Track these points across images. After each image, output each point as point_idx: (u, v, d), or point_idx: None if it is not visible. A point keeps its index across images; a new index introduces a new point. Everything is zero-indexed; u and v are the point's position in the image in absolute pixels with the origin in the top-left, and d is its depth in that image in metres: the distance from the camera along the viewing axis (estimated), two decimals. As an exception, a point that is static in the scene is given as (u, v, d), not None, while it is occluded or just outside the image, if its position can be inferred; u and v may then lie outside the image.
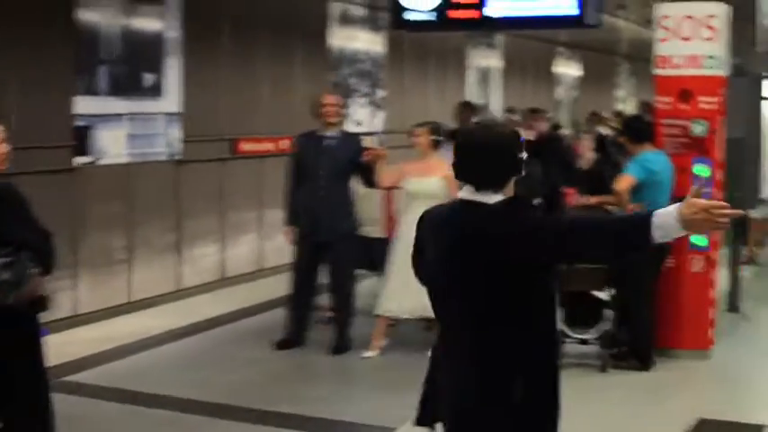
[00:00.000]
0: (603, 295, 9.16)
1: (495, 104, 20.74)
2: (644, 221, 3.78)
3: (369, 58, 16.21)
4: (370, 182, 9.87)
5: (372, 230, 10.45)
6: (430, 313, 8.04)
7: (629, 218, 4.30)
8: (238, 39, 12.95)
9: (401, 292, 9.22)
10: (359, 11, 15.79)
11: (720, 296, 10.29)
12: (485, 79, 20.55)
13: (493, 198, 4.06)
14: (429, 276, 4.34)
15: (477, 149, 4.13)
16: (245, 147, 13.03)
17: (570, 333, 9.13)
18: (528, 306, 4.05)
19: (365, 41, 16.08)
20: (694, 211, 3.67)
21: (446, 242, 4.15)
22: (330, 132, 9.86)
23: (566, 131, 16.47)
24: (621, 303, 9.11)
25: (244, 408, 8.21)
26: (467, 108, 13.84)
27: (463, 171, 4.14)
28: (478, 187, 4.09)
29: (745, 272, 11.97)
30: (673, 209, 3.72)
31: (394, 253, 9.44)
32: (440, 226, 4.24)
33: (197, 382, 8.71)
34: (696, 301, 9.41)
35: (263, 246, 13.40)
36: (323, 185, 9.73)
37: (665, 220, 3.73)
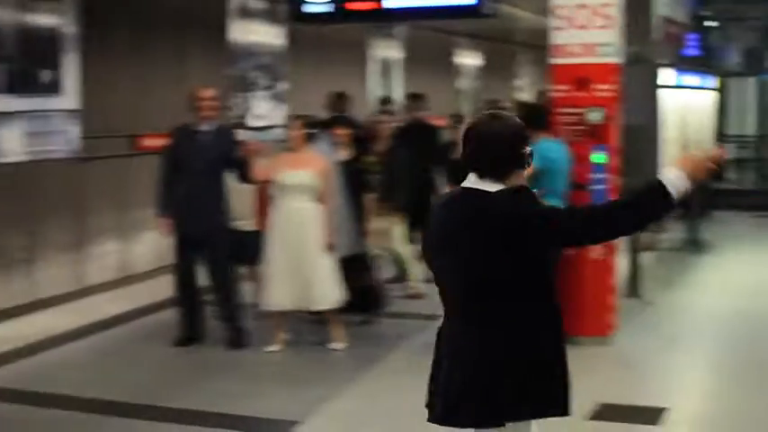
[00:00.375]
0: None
1: (398, 96, 20.75)
2: (660, 187, 4.21)
3: (269, 52, 16.12)
4: (245, 176, 9.88)
5: (245, 224, 10.44)
6: (315, 305, 8.15)
7: (643, 190, 4.36)
8: (136, 33, 12.82)
9: (282, 285, 9.42)
10: (258, 4, 15.69)
11: (621, 282, 10.38)
12: (386, 71, 20.55)
13: (495, 187, 4.27)
14: (433, 258, 4.51)
15: (482, 139, 4.35)
16: (146, 143, 12.90)
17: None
18: (527, 281, 4.28)
19: (265, 34, 15.98)
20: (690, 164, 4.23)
21: (450, 224, 4.35)
22: (205, 126, 9.86)
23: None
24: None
25: (146, 405, 8.18)
26: (340, 98, 13.80)
27: (469, 159, 4.36)
28: (481, 176, 4.31)
29: (645, 258, 12.10)
30: (670, 170, 4.23)
31: (269, 246, 9.58)
32: (443, 210, 4.45)
33: (99, 381, 8.66)
34: (596, 287, 9.49)
35: (166, 242, 13.28)
36: (196, 179, 9.71)
37: (672, 178, 4.21)
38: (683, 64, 14.87)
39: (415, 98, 14.22)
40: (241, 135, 10.32)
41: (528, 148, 4.37)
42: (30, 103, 11.17)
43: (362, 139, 11.66)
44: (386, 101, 14.41)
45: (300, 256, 9.47)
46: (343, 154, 10.80)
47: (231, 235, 10.12)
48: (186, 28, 13.84)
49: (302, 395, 8.31)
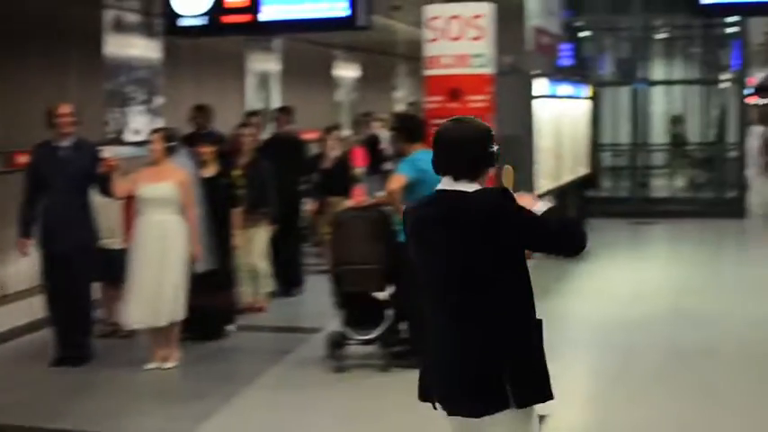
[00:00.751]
0: (382, 295, 9.22)
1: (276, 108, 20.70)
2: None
3: (145, 66, 15.96)
4: (106, 192, 9.78)
5: (113, 242, 10.35)
6: (160, 320, 9.01)
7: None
8: (8, 47, 12.58)
9: (142, 301, 9.35)
10: (133, 17, 15.53)
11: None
12: (264, 84, 20.48)
13: (471, 187, 4.49)
14: (417, 258, 4.71)
15: (456, 143, 4.56)
16: (21, 159, 12.66)
17: (351, 334, 9.17)
18: (503, 273, 4.50)
19: (141, 48, 15.82)
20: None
21: (437, 225, 4.56)
22: (64, 142, 9.75)
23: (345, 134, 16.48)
24: (400, 302, 9.17)
25: (22, 426, 8.00)
26: (201, 111, 13.66)
27: (441, 164, 4.59)
28: (456, 178, 4.53)
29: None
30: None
31: (133, 261, 9.46)
32: (426, 213, 4.65)
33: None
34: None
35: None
36: (59, 197, 9.61)
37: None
38: (558, 74, 15.04)
39: (282, 111, 14.15)
40: (103, 150, 9.99)
41: (495, 147, 4.57)
42: None
43: (226, 153, 11.56)
44: (250, 114, 14.11)
45: (162, 271, 9.36)
46: (208, 170, 10.66)
47: (98, 254, 9.99)
48: (61, 41, 13.63)
49: (181, 412, 8.22)
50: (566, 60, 20.85)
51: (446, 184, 4.56)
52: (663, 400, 8.28)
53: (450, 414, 4.70)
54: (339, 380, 8.96)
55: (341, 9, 10.83)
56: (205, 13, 10.87)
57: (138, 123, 15.56)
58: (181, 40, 15.33)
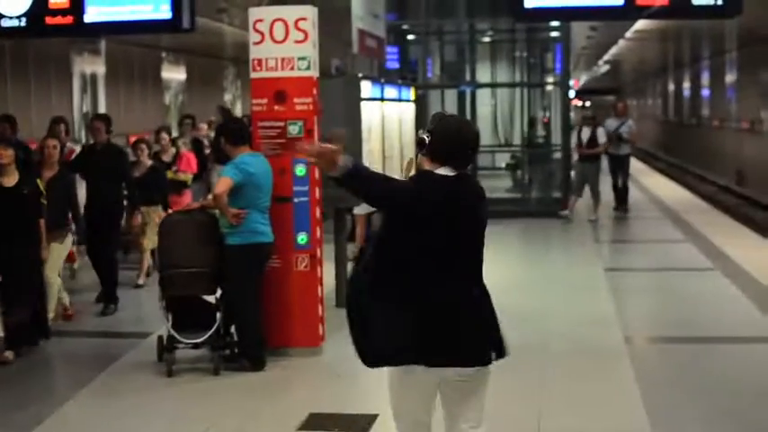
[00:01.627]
0: (211, 298, 9.20)
1: (102, 111, 20.43)
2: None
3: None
4: None
5: None
6: None
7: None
8: None
9: None
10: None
11: (329, 293, 10.49)
12: (90, 87, 20.20)
13: (454, 173, 5.31)
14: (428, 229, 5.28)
15: (463, 135, 5.41)
16: None
17: (180, 338, 9.12)
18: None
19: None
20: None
21: (457, 201, 5.32)
22: None
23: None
24: (228, 305, 9.16)
25: None
26: (6, 121, 13.01)
27: (445, 152, 5.31)
28: (459, 167, 5.34)
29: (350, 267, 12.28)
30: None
31: None
32: (441, 191, 5.29)
33: None
34: (304, 298, 9.57)
35: None
36: None
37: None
38: (384, 77, 15.18)
39: (100, 119, 12.56)
40: None
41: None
42: None
43: (33, 163, 11.15)
44: (56, 121, 13.14)
45: None
46: (8, 178, 9.88)
47: None
48: None
49: (9, 421, 8.05)
50: (392, 63, 21.08)
51: (444, 169, 5.30)
52: (490, 395, 8.40)
53: (436, 365, 5.28)
54: (169, 384, 8.88)
55: (165, 11, 10.77)
56: (27, 14, 10.67)
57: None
58: (2, 41, 15.07)
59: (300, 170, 9.47)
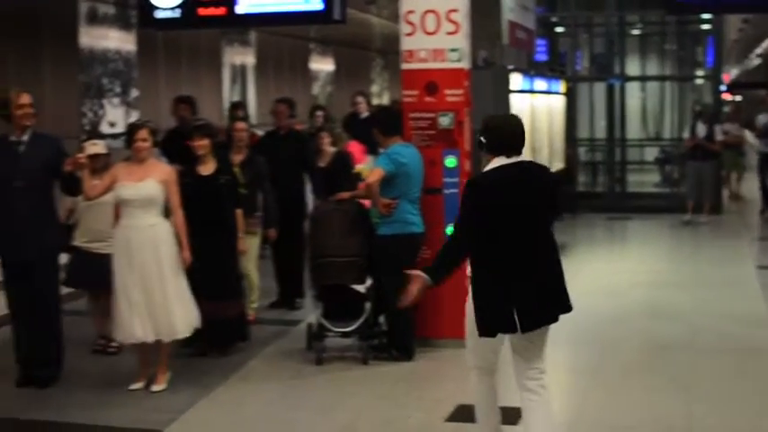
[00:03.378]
0: (361, 288, 9.24)
1: (251, 102, 20.70)
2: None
3: (120, 58, 15.94)
4: (72, 190, 8.83)
5: (100, 246, 9.32)
6: (171, 335, 8.43)
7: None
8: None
9: (133, 314, 8.42)
10: (108, 9, 15.51)
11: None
12: (240, 77, 20.47)
13: (519, 158, 6.26)
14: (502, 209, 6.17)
15: (521, 129, 6.38)
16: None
17: (330, 327, 9.19)
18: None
19: (116, 40, 15.81)
20: None
21: (525, 185, 6.24)
22: (22, 136, 8.56)
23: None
24: (379, 295, 9.20)
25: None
26: (185, 103, 12.33)
27: (507, 146, 6.23)
28: (509, 156, 6.22)
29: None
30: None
31: (116, 270, 8.52)
32: (504, 182, 6.18)
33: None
34: (453, 290, 9.53)
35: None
36: (19, 197, 8.45)
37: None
38: (533, 69, 15.09)
39: (283, 102, 12.16)
40: (65, 144, 8.91)
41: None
42: None
43: (222, 147, 10.45)
44: (236, 105, 13.05)
45: (150, 279, 8.42)
46: (205, 167, 9.51)
47: (84, 259, 9.45)
48: (35, 32, 13.59)
49: (158, 404, 8.21)
50: (540, 56, 20.93)
51: (503, 160, 6.20)
52: (640, 393, 8.33)
53: (529, 330, 6.25)
54: (318, 372, 8.97)
55: (316, 3, 10.84)
56: (181, 5, 10.82)
57: (114, 115, 15.54)
58: (156, 32, 15.35)
59: (451, 161, 9.47)
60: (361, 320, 9.18)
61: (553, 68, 17.63)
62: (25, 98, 8.64)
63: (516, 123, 6.40)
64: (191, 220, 8.80)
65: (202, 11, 10.91)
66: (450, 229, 9.40)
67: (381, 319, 9.43)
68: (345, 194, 9.75)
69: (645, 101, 24.58)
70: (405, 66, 9.55)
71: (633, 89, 23.64)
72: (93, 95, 15.14)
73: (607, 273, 13.87)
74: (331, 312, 9.29)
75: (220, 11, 10.88)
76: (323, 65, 24.63)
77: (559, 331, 10.47)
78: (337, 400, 8.23)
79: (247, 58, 20.68)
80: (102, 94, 15.28)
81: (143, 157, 8.59)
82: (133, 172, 8.56)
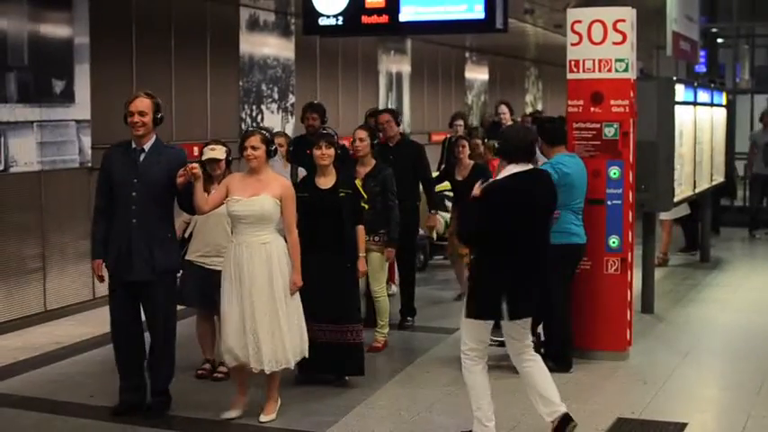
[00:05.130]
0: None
1: (405, 109, 20.80)
2: None
3: (279, 64, 16.16)
4: (188, 206, 8.15)
5: (217, 261, 8.64)
6: (267, 364, 7.99)
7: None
8: (146, 44, 12.84)
9: (235, 336, 7.89)
10: (269, 16, 15.74)
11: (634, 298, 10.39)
12: (396, 84, 20.59)
13: (530, 166, 7.24)
14: (503, 223, 7.05)
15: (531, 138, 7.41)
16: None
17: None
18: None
19: (275, 47, 16.03)
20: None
21: (534, 192, 7.19)
22: (145, 145, 7.99)
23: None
24: (542, 306, 9.14)
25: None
26: (313, 110, 11.85)
27: (518, 155, 7.15)
28: (521, 163, 7.13)
29: (657, 273, 12.12)
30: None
31: (224, 289, 8.02)
32: (516, 189, 7.10)
33: (116, 390, 8.53)
34: (613, 302, 9.51)
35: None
36: (136, 210, 7.91)
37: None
38: (694, 80, 14.90)
39: (388, 112, 11.83)
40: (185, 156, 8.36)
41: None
42: (42, 113, 11.26)
43: (345, 159, 10.08)
44: (372, 114, 12.45)
45: (260, 302, 7.85)
46: (326, 179, 9.06)
47: (196, 274, 8.93)
48: (197, 39, 13.87)
49: (319, 407, 8.30)
50: (699, 67, 20.64)
51: (521, 167, 7.13)
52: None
53: (515, 319, 7.18)
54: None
55: (478, 11, 10.84)
56: (344, 13, 10.93)
57: (272, 122, 15.75)
58: (315, 39, 15.53)
59: (615, 172, 9.41)
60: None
61: (712, 80, 17.36)
62: (136, 104, 7.99)
63: (527, 135, 7.38)
64: (306, 237, 8.39)
65: (366, 18, 10.99)
66: (613, 242, 9.40)
67: (540, 329, 9.39)
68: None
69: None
70: (570, 75, 9.53)
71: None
72: (252, 101, 15.37)
73: (762, 288, 13.63)
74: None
75: (383, 18, 10.94)
76: (477, 74, 24.62)
77: (718, 344, 10.44)
78: (495, 409, 8.21)
79: (403, 66, 20.78)
80: (260, 99, 15.50)
81: (254, 166, 7.99)
82: (247, 185, 7.98)
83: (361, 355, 9.08)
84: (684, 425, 7.65)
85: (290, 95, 16.43)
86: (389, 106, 19.97)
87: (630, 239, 9.53)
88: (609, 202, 9.43)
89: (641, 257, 11.44)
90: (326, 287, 8.76)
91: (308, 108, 11.96)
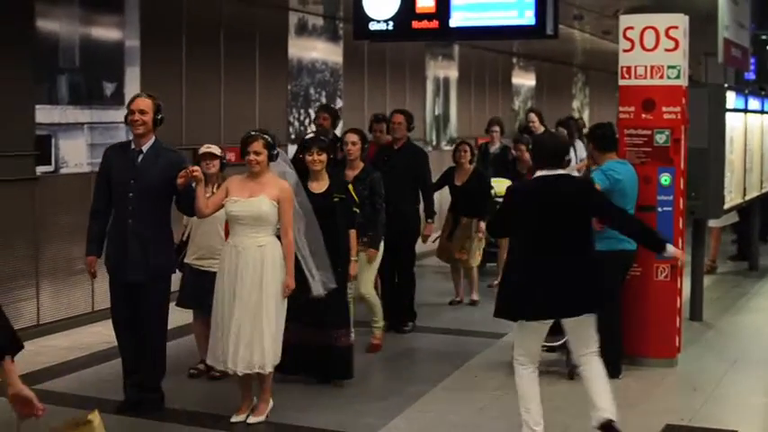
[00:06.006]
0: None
1: (453, 115, 20.81)
2: (658, 240, 7.66)
3: (327, 68, 16.21)
4: (187, 208, 8.22)
5: (213, 263, 8.68)
6: (247, 366, 7.82)
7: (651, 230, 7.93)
8: (197, 48, 12.92)
9: (225, 340, 7.84)
10: (317, 20, 15.80)
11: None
12: (443, 90, 20.59)
13: (558, 171, 7.23)
14: (525, 223, 7.22)
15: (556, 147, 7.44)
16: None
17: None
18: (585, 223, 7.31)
19: (323, 51, 16.08)
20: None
21: (549, 197, 7.16)
22: (143, 146, 8.05)
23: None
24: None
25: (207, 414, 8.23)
26: (326, 112, 12.33)
27: (546, 160, 7.25)
28: (554, 168, 7.21)
29: (705, 281, 12.07)
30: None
31: (217, 291, 8.01)
32: (536, 191, 7.25)
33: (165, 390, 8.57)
34: (662, 309, 9.49)
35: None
36: (133, 211, 7.98)
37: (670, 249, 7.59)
38: (744, 87, 14.82)
39: (402, 113, 11.69)
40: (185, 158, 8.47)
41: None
42: (93, 115, 11.38)
43: (337, 163, 10.02)
44: (378, 119, 12.13)
45: (249, 306, 7.78)
46: (319, 183, 9.08)
47: (193, 276, 9.05)
48: (247, 43, 13.94)
49: (367, 409, 8.33)
50: (748, 74, 20.52)
51: (545, 172, 7.20)
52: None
53: (538, 319, 7.21)
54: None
55: (529, 17, 10.83)
56: (394, 18, 10.93)
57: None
58: (363, 43, 15.56)
59: (666, 179, 9.39)
60: (568, 335, 9.12)
61: (763, 87, 17.25)
62: (137, 103, 8.06)
63: (551, 141, 7.69)
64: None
65: (416, 24, 10.99)
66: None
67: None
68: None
69: None
70: (622, 82, 9.52)
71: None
72: (300, 105, 15.43)
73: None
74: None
75: (433, 24, 10.93)
76: (524, 79, 24.58)
77: (765, 355, 10.38)
78: (544, 414, 8.21)
79: (450, 71, 20.79)
80: (308, 103, 15.55)
81: (256, 171, 7.95)
82: (246, 187, 7.95)
83: (350, 358, 9.08)
84: (734, 432, 7.63)
85: (338, 99, 16.47)
86: (437, 112, 20.01)
87: (681, 246, 9.50)
88: (660, 209, 9.40)
89: (690, 265, 11.37)
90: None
91: (321, 109, 12.20)
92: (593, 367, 7.39)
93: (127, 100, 11.49)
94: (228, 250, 7.93)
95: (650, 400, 8.70)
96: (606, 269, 8.85)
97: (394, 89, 18.32)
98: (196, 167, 7.95)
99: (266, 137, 8.04)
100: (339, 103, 16.42)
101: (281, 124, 14.73)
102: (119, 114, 11.52)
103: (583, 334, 7.38)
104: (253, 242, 7.84)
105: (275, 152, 8.08)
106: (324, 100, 16.00)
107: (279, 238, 8.03)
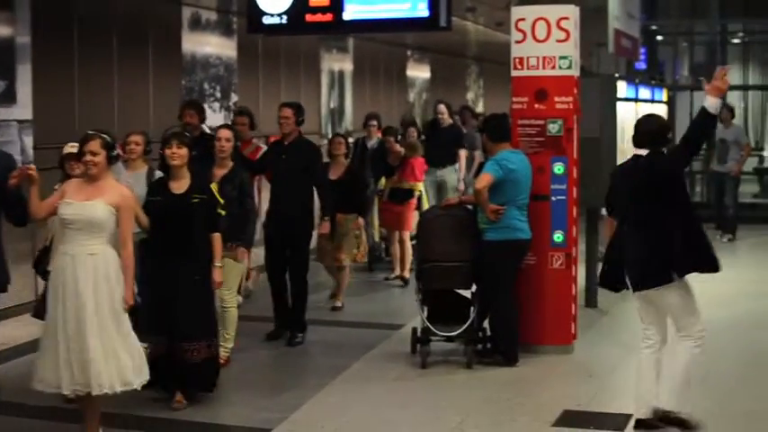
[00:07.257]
0: (467, 292, 9.30)
1: (348, 108, 20.82)
2: (701, 112, 7.17)
3: (221, 63, 16.12)
4: (16, 214, 7.44)
5: None
6: (95, 388, 7.03)
7: (695, 118, 7.44)
8: (88, 43, 12.75)
9: (55, 358, 7.09)
10: (211, 15, 15.70)
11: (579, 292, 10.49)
12: (338, 83, 20.59)
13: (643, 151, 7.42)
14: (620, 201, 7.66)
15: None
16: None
17: (435, 330, 9.24)
18: (672, 198, 7.27)
19: (217, 46, 15.99)
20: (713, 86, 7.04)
21: (629, 174, 7.54)
22: None
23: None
24: (484, 300, 9.25)
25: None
26: (191, 108, 11.64)
27: (642, 140, 7.46)
28: (650, 147, 7.40)
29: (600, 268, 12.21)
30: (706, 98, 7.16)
31: (48, 304, 7.29)
32: (632, 169, 7.50)
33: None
34: (558, 297, 9.60)
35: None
36: None
37: (707, 104, 7.10)
38: (635, 77, 15.06)
39: (288, 105, 10.93)
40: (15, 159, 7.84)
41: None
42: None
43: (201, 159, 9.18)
44: (240, 112, 11.84)
45: (83, 320, 7.02)
46: (179, 183, 8.31)
47: None
48: (139, 38, 13.81)
49: (269, 404, 8.32)
50: (639, 64, 20.83)
51: (641, 151, 7.40)
52: (748, 403, 8.29)
53: (637, 290, 7.41)
54: (422, 375, 9.04)
55: (422, 10, 10.89)
56: (288, 12, 10.92)
57: (215, 121, 15.70)
58: (257, 38, 15.51)
59: (559, 168, 9.50)
60: (465, 325, 9.23)
61: (652, 77, 17.55)
62: None
63: (651, 122, 7.64)
64: (156, 246, 8.04)
65: (310, 17, 11.00)
66: (558, 237, 9.48)
67: (486, 323, 9.46)
68: (453, 200, 9.87)
69: (746, 110, 24.29)
70: (515, 73, 9.61)
71: (734, 98, 23.37)
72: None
73: (712, 285, 13.74)
74: (435, 316, 9.34)
75: (327, 17, 10.95)
76: (419, 72, 24.66)
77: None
78: (443, 403, 8.29)
79: (345, 64, 20.78)
80: (203, 98, 15.44)
81: (93, 173, 7.22)
82: (82, 190, 7.23)
83: (213, 371, 8.47)
84: (630, 416, 7.73)
85: (233, 94, 16.39)
86: (332, 105, 20.01)
87: (575, 235, 9.63)
88: (553, 198, 9.51)
89: (585, 253, 11.52)
90: (175, 300, 8.10)
91: (186, 105, 11.62)
92: (659, 354, 7.61)
93: (18, 98, 11.43)
94: (59, 259, 7.25)
95: (548, 386, 8.82)
96: (500, 258, 9.04)
97: (289, 83, 18.26)
98: (31, 166, 7.33)
99: (104, 136, 7.32)
100: (234, 98, 16.33)
101: (175, 120, 14.62)
102: (10, 112, 11.38)
103: (660, 311, 7.60)
104: (83, 250, 7.10)
105: (115, 153, 7.38)
106: (218, 95, 15.91)
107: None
